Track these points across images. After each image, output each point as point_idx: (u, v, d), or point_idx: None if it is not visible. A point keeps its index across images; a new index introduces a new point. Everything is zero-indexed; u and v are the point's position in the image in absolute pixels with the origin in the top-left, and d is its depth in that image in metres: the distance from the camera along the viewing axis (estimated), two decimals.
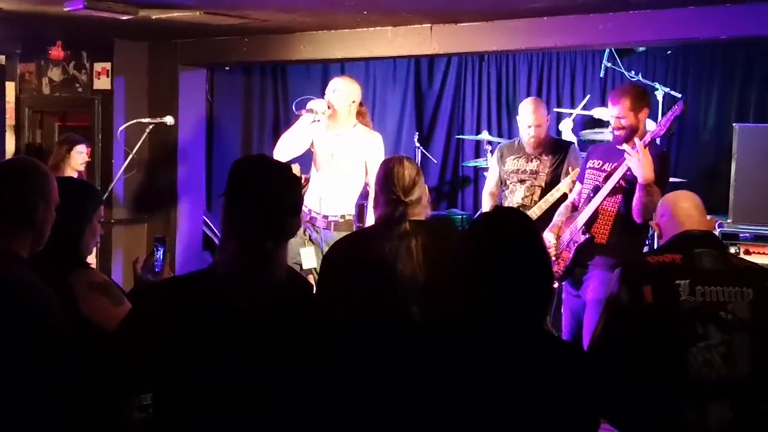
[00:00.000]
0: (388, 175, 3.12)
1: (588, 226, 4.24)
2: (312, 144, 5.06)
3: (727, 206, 5.82)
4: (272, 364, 2.14)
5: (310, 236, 4.95)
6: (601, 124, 7.21)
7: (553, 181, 5.09)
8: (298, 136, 4.98)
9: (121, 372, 2.19)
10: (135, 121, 6.28)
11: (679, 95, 6.83)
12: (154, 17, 5.35)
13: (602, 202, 4.22)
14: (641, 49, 7.33)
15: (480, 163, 7.63)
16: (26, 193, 2.37)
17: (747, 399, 2.69)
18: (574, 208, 4.49)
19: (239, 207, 2.21)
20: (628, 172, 4.09)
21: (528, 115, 5.14)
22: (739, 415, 2.68)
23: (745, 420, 2.68)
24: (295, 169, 4.25)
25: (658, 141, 4.10)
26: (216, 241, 7.15)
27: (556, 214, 4.64)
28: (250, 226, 2.18)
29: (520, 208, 4.91)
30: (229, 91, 7.77)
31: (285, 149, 5.00)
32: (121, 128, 6.35)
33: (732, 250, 5.43)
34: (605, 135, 6.27)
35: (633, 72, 6.84)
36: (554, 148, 5.24)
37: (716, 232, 5.33)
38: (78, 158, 6.17)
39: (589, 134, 7.05)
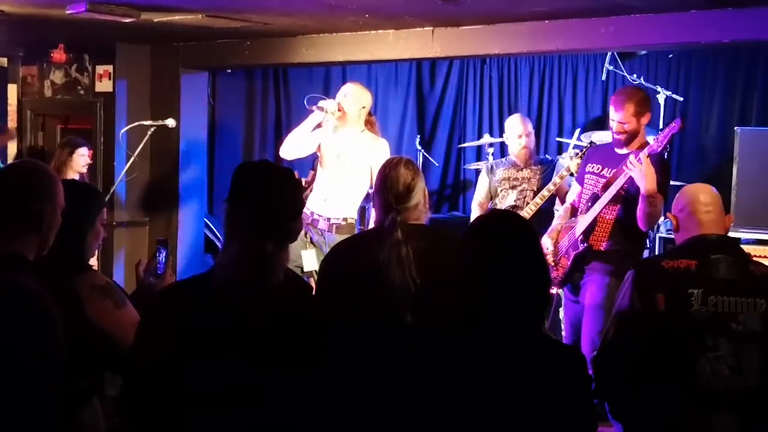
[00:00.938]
0: (382, 179, 3.06)
1: (586, 234, 4.23)
2: (319, 147, 5.12)
3: (729, 210, 5.81)
4: (272, 364, 2.14)
5: (311, 238, 4.96)
6: (602, 126, 7.22)
7: (543, 185, 5.25)
8: (305, 135, 5.07)
9: (141, 380, 2.22)
10: (137, 123, 6.30)
11: (681, 98, 6.84)
12: (156, 20, 5.36)
13: (601, 210, 4.20)
14: (643, 52, 7.33)
15: (481, 166, 7.63)
16: (33, 197, 2.38)
17: (754, 411, 2.68)
18: (574, 211, 4.49)
19: (241, 210, 2.23)
20: (628, 182, 4.07)
21: (517, 126, 5.43)
22: (745, 427, 2.66)
23: None
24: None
25: (654, 145, 4.08)
26: (218, 243, 7.15)
27: (556, 216, 4.65)
28: (251, 229, 2.20)
29: (513, 210, 4.99)
30: (230, 94, 7.78)
31: (292, 147, 5.11)
32: (122, 131, 6.37)
33: None
34: (606, 136, 6.28)
35: (635, 75, 6.83)
36: (542, 161, 5.52)
37: None
38: (80, 161, 6.17)
39: (590, 137, 7.04)
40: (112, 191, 6.22)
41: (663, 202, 4.10)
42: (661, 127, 6.13)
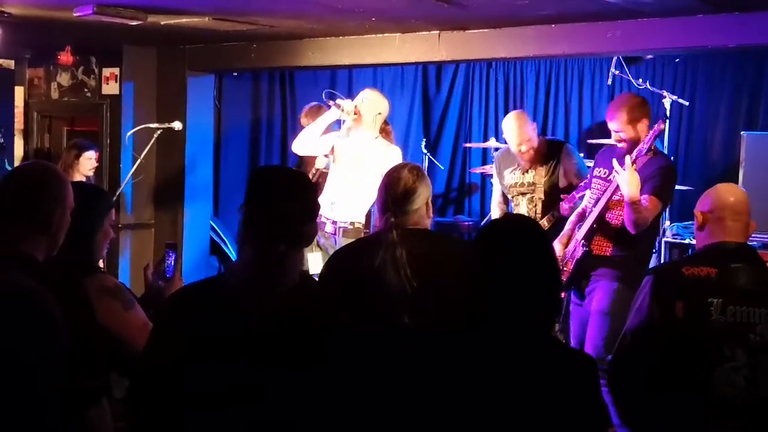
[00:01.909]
0: (384, 184, 3.07)
1: (588, 239, 4.22)
2: (332, 149, 5.16)
3: None
4: (277, 366, 2.15)
5: (317, 241, 4.97)
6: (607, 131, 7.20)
7: (551, 189, 5.02)
8: (320, 131, 5.14)
9: (149, 383, 2.24)
10: (143, 126, 6.31)
11: (687, 103, 6.83)
12: (162, 23, 5.37)
13: (606, 215, 4.17)
14: (649, 56, 7.32)
15: (487, 169, 7.63)
16: (43, 198, 2.39)
17: (766, 423, 2.67)
18: (584, 217, 4.48)
19: (256, 214, 2.24)
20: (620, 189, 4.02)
21: (512, 136, 5.01)
22: None
23: None
24: None
25: (665, 150, 4.06)
26: (223, 246, 7.17)
27: (568, 222, 4.63)
28: (265, 233, 2.21)
29: None
30: (237, 96, 7.79)
31: (305, 142, 5.19)
32: (129, 133, 6.38)
33: None
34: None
35: (641, 80, 6.82)
36: (546, 154, 5.11)
37: None
38: (87, 164, 6.19)
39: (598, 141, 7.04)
40: (118, 193, 6.23)
41: (659, 207, 4.06)
42: (667, 131, 6.13)
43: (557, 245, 4.41)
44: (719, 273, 2.73)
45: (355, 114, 5.04)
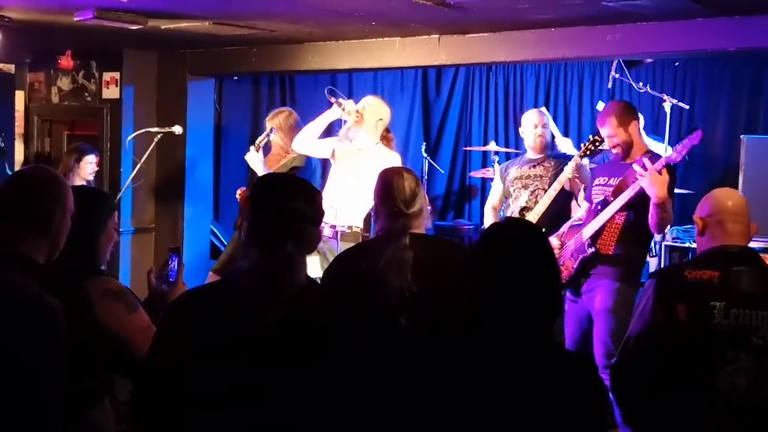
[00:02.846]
0: (388, 187, 3.11)
1: (594, 239, 4.22)
2: (333, 153, 5.17)
3: None
4: (289, 367, 2.16)
5: None
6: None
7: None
8: (320, 131, 5.18)
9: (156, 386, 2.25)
10: (143, 130, 6.32)
11: (687, 107, 6.83)
12: (163, 27, 5.38)
13: (615, 216, 4.17)
14: (649, 60, 7.33)
15: (488, 173, 7.63)
16: (43, 199, 2.40)
17: None
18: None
19: (262, 216, 2.27)
20: (641, 191, 4.02)
21: (534, 117, 5.22)
22: None
23: None
24: None
25: (674, 155, 4.03)
26: (223, 249, 7.16)
27: (563, 226, 4.64)
28: (272, 234, 2.23)
29: (523, 210, 4.94)
30: (237, 100, 7.80)
31: (305, 140, 5.21)
32: (129, 137, 6.38)
33: None
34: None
35: (641, 83, 6.83)
36: (557, 155, 5.31)
37: None
38: (87, 168, 6.18)
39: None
40: (118, 198, 6.24)
41: (671, 205, 4.07)
42: (667, 135, 6.13)
43: (554, 239, 4.43)
44: (721, 276, 2.73)
45: (357, 115, 5.05)
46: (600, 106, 6.41)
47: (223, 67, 6.73)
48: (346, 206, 5.00)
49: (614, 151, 4.32)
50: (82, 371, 2.37)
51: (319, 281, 4.68)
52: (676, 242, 6.17)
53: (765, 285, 2.75)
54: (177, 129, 6.21)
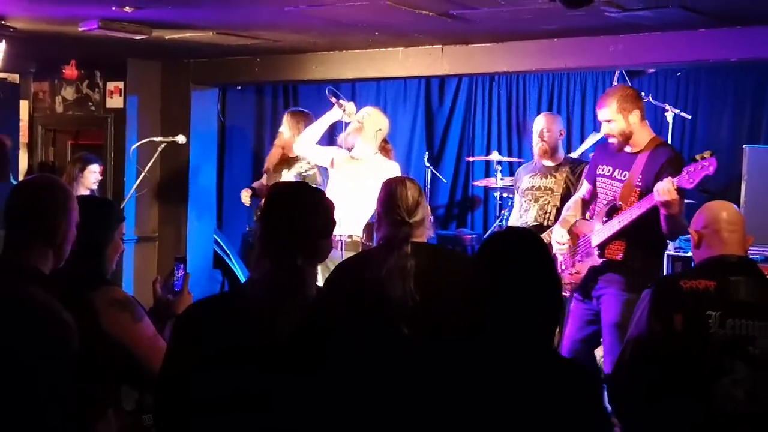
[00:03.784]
0: (391, 196, 3.14)
1: (602, 248, 4.08)
2: (332, 162, 5.20)
3: None
4: (286, 373, 2.17)
5: None
6: None
7: (567, 198, 4.92)
8: (320, 133, 5.27)
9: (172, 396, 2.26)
10: (147, 139, 6.34)
11: (689, 117, 6.84)
12: (167, 37, 5.40)
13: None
14: (651, 70, 7.34)
15: (491, 182, 7.63)
16: (49, 210, 2.42)
17: None
18: (585, 204, 4.35)
19: (274, 227, 2.28)
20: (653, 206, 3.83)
21: (538, 122, 5.25)
22: None
23: None
24: None
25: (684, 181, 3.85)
26: (226, 259, 7.18)
27: (565, 208, 4.51)
28: (283, 246, 2.24)
29: (534, 228, 4.81)
30: (240, 110, 7.81)
31: (306, 143, 5.30)
32: (133, 147, 6.41)
33: None
34: None
35: (643, 93, 6.81)
36: (571, 160, 5.28)
37: None
38: (91, 177, 6.19)
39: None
40: (122, 207, 6.25)
41: (683, 203, 3.88)
42: (669, 141, 6.12)
43: (560, 229, 4.31)
44: (718, 286, 2.74)
45: (358, 122, 5.09)
46: None
47: (226, 77, 6.75)
48: (346, 215, 5.01)
49: (610, 140, 4.06)
50: (88, 380, 2.38)
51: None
52: (678, 251, 6.16)
53: (763, 295, 2.75)
54: (180, 138, 6.23)
